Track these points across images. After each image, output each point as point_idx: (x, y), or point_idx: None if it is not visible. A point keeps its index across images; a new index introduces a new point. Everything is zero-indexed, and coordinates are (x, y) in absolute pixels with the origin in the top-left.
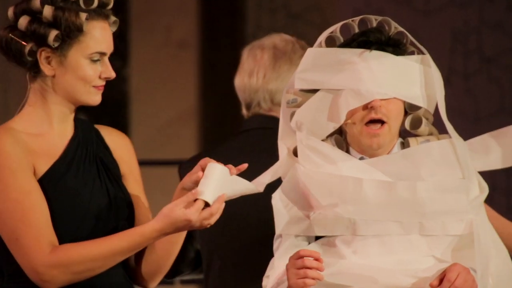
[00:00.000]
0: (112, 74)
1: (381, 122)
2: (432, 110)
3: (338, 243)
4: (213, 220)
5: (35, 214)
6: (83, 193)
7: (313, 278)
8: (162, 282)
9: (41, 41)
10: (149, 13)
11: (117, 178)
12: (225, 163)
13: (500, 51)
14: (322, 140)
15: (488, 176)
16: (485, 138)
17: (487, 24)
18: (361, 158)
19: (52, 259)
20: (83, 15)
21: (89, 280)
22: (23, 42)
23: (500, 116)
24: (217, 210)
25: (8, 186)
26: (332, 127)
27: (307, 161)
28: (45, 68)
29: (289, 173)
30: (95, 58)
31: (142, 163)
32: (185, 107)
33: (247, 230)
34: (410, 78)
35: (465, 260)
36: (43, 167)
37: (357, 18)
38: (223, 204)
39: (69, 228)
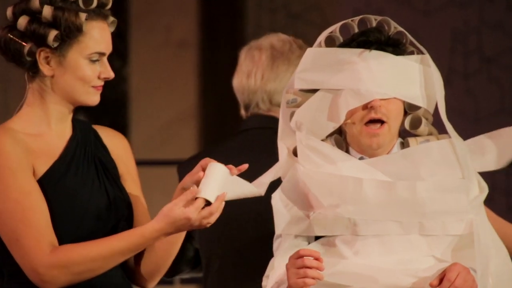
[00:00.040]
0: (111, 74)
1: (381, 122)
2: (431, 110)
3: (338, 243)
4: (212, 220)
5: (35, 214)
6: (83, 193)
7: (313, 278)
8: (161, 282)
9: (41, 41)
10: (149, 13)
11: (116, 178)
12: (224, 163)
13: (500, 51)
14: (322, 140)
15: (488, 176)
16: (481, 139)
17: (487, 24)
18: (360, 158)
19: (52, 260)
20: (83, 15)
21: (88, 280)
22: (22, 42)
23: (500, 116)
24: (216, 209)
25: (8, 186)
26: (331, 127)
27: (307, 161)
28: (44, 68)
29: (289, 173)
30: (94, 58)
31: (142, 163)
32: (185, 107)
33: (246, 230)
34: (409, 78)
35: (465, 260)
36: (42, 168)
37: (357, 18)
38: (223, 204)
39: (68, 228)
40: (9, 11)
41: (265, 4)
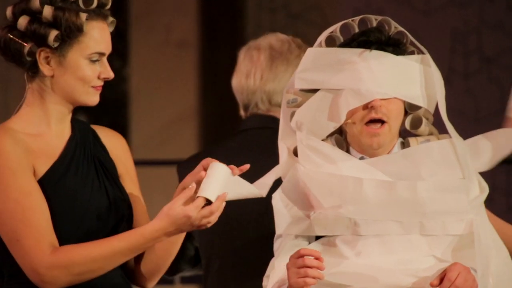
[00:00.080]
0: (111, 75)
1: (381, 121)
2: (432, 110)
3: (338, 242)
4: (213, 219)
5: (36, 214)
6: (83, 194)
7: (313, 277)
8: (161, 282)
9: (41, 41)
10: (149, 13)
11: (115, 178)
12: (224, 163)
13: (500, 51)
14: (322, 140)
15: (488, 176)
16: (476, 140)
17: (487, 24)
18: (361, 158)
19: (52, 260)
20: (83, 15)
21: (88, 281)
22: (22, 42)
23: (500, 116)
24: (217, 209)
25: (8, 186)
26: (332, 127)
27: (307, 161)
28: (44, 68)
29: (289, 173)
30: (94, 59)
31: (142, 163)
32: (185, 107)
33: (246, 230)
34: (410, 78)
35: (466, 259)
36: (42, 168)
37: (357, 18)
38: (224, 204)
39: (69, 229)
40: (8, 11)
41: (265, 4)
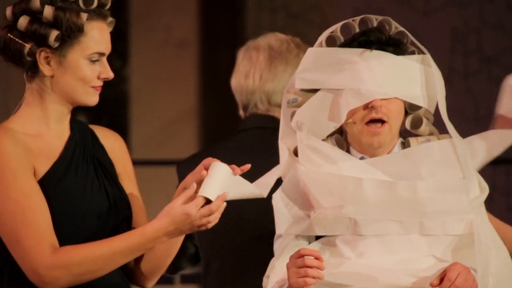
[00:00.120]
0: (111, 75)
1: (382, 121)
2: (432, 110)
3: (338, 242)
4: (213, 219)
5: (36, 215)
6: (83, 194)
7: (313, 277)
8: (161, 281)
9: (41, 42)
10: (149, 12)
11: (114, 178)
12: (223, 162)
13: (500, 51)
14: (323, 140)
15: (488, 176)
16: (471, 141)
17: (487, 24)
18: (361, 158)
19: (53, 261)
20: (84, 16)
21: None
22: (23, 43)
23: None
24: (216, 208)
25: (9, 187)
26: (332, 126)
27: (307, 161)
28: (44, 68)
29: (290, 173)
30: (94, 59)
31: (142, 163)
32: (185, 107)
33: (246, 230)
34: (410, 78)
35: (466, 259)
36: (42, 168)
37: (358, 18)
38: (225, 204)
39: (69, 229)
40: (8, 11)
41: (265, 4)
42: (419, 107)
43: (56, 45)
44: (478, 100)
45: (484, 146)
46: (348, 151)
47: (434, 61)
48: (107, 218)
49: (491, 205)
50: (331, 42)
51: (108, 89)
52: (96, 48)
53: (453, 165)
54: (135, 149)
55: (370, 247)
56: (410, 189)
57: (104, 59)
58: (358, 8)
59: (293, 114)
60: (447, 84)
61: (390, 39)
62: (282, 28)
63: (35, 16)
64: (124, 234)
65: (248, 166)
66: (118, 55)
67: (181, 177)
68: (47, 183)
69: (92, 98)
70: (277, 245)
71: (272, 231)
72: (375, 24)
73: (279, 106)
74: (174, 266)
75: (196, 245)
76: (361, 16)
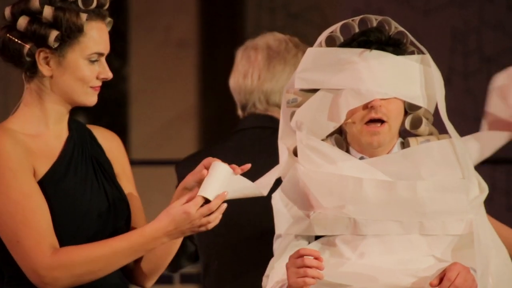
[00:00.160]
0: (110, 75)
1: (381, 121)
2: (432, 110)
3: (338, 242)
4: (213, 218)
5: (37, 216)
6: (82, 194)
7: (313, 277)
8: (161, 281)
9: (41, 42)
10: (149, 12)
11: (113, 178)
12: (223, 162)
13: (500, 51)
14: (322, 140)
15: (488, 176)
16: (466, 141)
17: (487, 24)
18: (361, 158)
19: (53, 261)
20: (84, 16)
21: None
22: (22, 43)
23: None
24: (215, 207)
25: (9, 187)
26: (332, 126)
27: (307, 161)
28: (43, 68)
29: (289, 173)
30: (94, 59)
31: (141, 162)
32: (185, 107)
33: (245, 229)
34: (410, 78)
35: (465, 259)
36: (42, 169)
37: (357, 18)
38: (225, 205)
39: (68, 230)
40: (7, 11)
41: (265, 4)
42: (418, 107)
43: (56, 45)
44: (478, 100)
45: (478, 147)
46: (347, 151)
47: (434, 61)
48: (106, 219)
49: (491, 205)
50: (330, 42)
51: (108, 89)
52: (95, 49)
53: (453, 165)
54: (134, 149)
55: (370, 247)
56: (410, 189)
57: (103, 59)
58: (358, 8)
59: (292, 114)
60: (447, 84)
61: (389, 39)
62: (282, 28)
63: (35, 16)
64: (125, 234)
65: (248, 166)
66: (118, 55)
67: (180, 177)
68: (47, 184)
69: (91, 98)
70: (276, 245)
71: (272, 231)
72: (374, 24)
73: (278, 105)
74: (175, 265)
75: (195, 244)
76: (361, 16)
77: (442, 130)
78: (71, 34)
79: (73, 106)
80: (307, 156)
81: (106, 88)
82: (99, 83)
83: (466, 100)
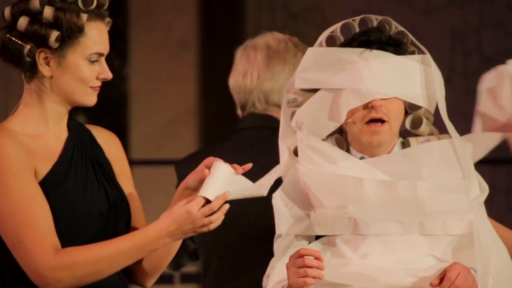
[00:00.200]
0: (109, 75)
1: (381, 121)
2: (432, 110)
3: (338, 242)
4: (215, 219)
5: (38, 217)
6: (83, 195)
7: (313, 277)
8: (161, 280)
9: (41, 42)
10: (149, 12)
11: (113, 178)
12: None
13: (500, 51)
14: (323, 140)
15: (488, 176)
16: None
17: (487, 24)
18: (361, 158)
19: (56, 262)
20: (84, 16)
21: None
22: (22, 43)
23: None
24: (217, 206)
25: (10, 188)
26: (332, 126)
27: (307, 161)
28: (43, 69)
29: (290, 173)
30: (93, 59)
31: (141, 162)
32: (185, 107)
33: (245, 229)
34: (410, 78)
35: (466, 259)
36: (43, 169)
37: (358, 18)
38: (227, 205)
39: (69, 230)
40: (7, 11)
41: (265, 4)
42: (419, 107)
43: (56, 45)
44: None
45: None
46: (348, 151)
47: (434, 61)
48: (107, 219)
49: (491, 205)
50: (331, 42)
51: (108, 89)
52: (96, 49)
53: (453, 165)
54: (134, 149)
55: (370, 247)
56: (410, 189)
57: (103, 59)
58: (358, 8)
59: (293, 113)
60: (447, 84)
61: (390, 39)
62: (282, 28)
63: (35, 16)
64: (127, 235)
65: (249, 165)
66: (118, 54)
67: (180, 177)
68: (48, 185)
69: (90, 99)
70: (277, 245)
71: (272, 231)
72: (375, 24)
73: (277, 105)
74: (176, 263)
75: (196, 243)
76: (361, 16)
77: (442, 130)
78: (71, 34)
79: (73, 106)
80: (307, 156)
81: (106, 88)
82: (99, 83)
83: (466, 100)
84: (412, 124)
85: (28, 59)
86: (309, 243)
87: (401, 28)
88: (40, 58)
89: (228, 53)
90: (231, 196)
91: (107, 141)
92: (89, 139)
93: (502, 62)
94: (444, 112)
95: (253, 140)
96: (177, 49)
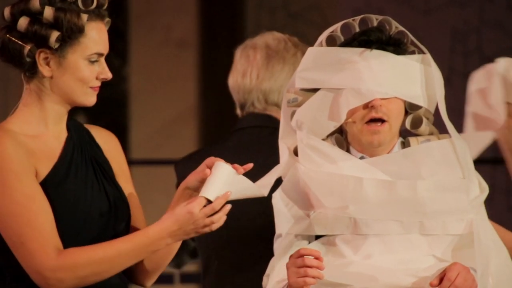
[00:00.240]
0: (109, 75)
1: (382, 121)
2: (432, 110)
3: (338, 242)
4: (216, 219)
5: (40, 217)
6: (84, 196)
7: (313, 277)
8: (161, 280)
9: (41, 42)
10: (149, 12)
11: (113, 178)
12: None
13: (500, 51)
14: (323, 140)
15: (488, 176)
16: None
17: (487, 24)
18: (361, 158)
19: (57, 263)
20: (85, 16)
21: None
22: (22, 44)
23: None
24: (219, 207)
25: (12, 189)
26: (332, 126)
27: (307, 161)
28: (43, 69)
29: (290, 173)
30: (93, 59)
31: (141, 162)
32: (185, 106)
33: (245, 229)
34: (410, 78)
35: (465, 259)
36: (44, 170)
37: (358, 18)
38: (229, 205)
39: (70, 231)
40: (6, 12)
41: (265, 4)
42: (419, 107)
43: (56, 46)
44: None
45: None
46: (348, 150)
47: (434, 61)
48: (107, 219)
49: (491, 205)
50: (331, 41)
51: (108, 89)
52: (96, 49)
53: (453, 165)
54: (134, 149)
55: (370, 247)
56: (410, 189)
57: (103, 59)
58: (358, 8)
59: (293, 113)
60: (447, 84)
61: (390, 39)
62: (282, 28)
63: (35, 17)
64: (128, 235)
65: (250, 165)
66: (118, 54)
67: (180, 176)
68: (49, 185)
69: (90, 99)
70: (277, 244)
71: (272, 231)
72: (375, 23)
73: (276, 105)
74: (177, 261)
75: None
76: (361, 16)
77: (442, 130)
78: (72, 34)
79: (73, 106)
80: (307, 156)
81: (106, 87)
82: (98, 83)
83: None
84: (412, 124)
85: (28, 59)
86: (309, 243)
87: (401, 28)
88: (40, 58)
89: (228, 53)
90: (232, 196)
91: (106, 140)
92: (88, 139)
93: None
94: (444, 112)
95: (252, 140)
96: (177, 49)
